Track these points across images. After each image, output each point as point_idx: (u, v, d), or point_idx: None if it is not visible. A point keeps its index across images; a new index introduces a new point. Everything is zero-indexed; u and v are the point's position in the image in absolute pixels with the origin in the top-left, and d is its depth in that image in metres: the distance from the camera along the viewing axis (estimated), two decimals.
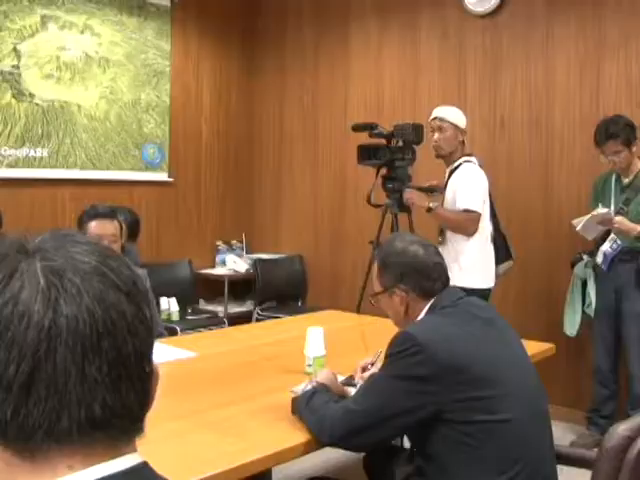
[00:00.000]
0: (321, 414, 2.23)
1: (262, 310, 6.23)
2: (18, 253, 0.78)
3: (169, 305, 5.62)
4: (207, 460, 2.04)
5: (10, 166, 5.40)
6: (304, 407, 2.31)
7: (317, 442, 2.24)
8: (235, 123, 6.94)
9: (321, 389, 2.38)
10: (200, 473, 1.93)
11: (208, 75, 6.71)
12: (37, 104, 5.51)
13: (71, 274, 0.76)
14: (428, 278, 2.31)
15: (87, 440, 0.76)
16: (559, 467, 2.25)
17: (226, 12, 6.77)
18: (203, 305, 6.45)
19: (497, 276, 4.32)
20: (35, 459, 0.76)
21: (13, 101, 5.39)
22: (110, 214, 3.49)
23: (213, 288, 6.48)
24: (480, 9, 5.36)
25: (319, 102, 6.53)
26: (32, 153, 5.49)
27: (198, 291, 6.36)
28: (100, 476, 0.76)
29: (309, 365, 2.86)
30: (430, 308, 2.30)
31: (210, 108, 6.74)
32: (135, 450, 0.81)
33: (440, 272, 2.34)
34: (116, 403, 0.77)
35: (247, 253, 6.83)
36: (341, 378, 2.64)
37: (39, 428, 0.74)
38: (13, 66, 5.40)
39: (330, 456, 3.58)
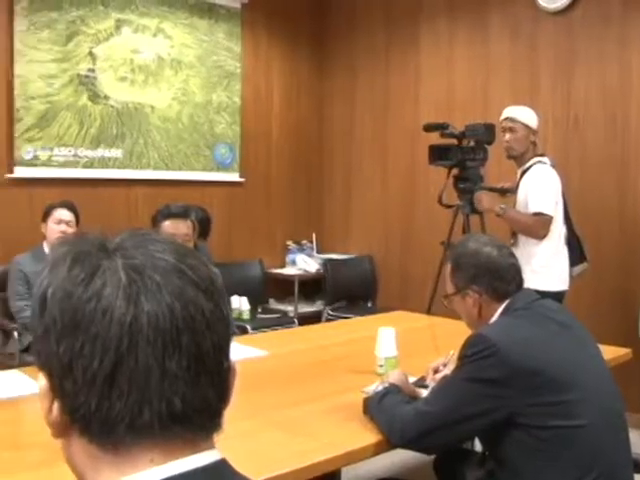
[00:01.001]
0: (392, 415, 2.22)
1: (332, 310, 6.23)
2: (100, 251, 0.80)
3: (240, 304, 5.66)
4: (277, 459, 2.05)
5: (86, 167, 5.52)
6: (375, 407, 2.31)
7: (388, 443, 2.22)
8: (305, 123, 6.96)
9: (393, 390, 2.37)
10: (270, 472, 1.93)
11: (278, 76, 6.75)
12: (112, 106, 5.63)
13: (151, 271, 0.78)
14: (502, 279, 2.28)
15: (167, 434, 0.77)
16: (637, 476, 2.20)
17: (295, 13, 6.80)
18: (273, 304, 6.49)
19: (571, 278, 4.24)
20: (118, 452, 0.78)
21: (89, 103, 5.51)
22: (183, 214, 3.54)
23: (283, 288, 6.51)
24: (553, 6, 5.26)
25: (389, 102, 6.51)
26: (107, 154, 5.61)
27: (268, 290, 6.40)
28: (180, 471, 0.77)
29: (380, 366, 2.85)
30: (504, 310, 2.27)
31: (280, 108, 6.77)
32: (214, 447, 0.82)
33: (514, 274, 2.31)
34: (195, 398, 0.78)
35: (317, 253, 6.84)
36: (412, 379, 2.63)
37: (121, 421, 0.76)
38: (89, 69, 5.52)
39: (400, 457, 3.56)
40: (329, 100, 7.02)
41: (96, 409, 0.76)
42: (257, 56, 6.59)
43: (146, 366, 0.75)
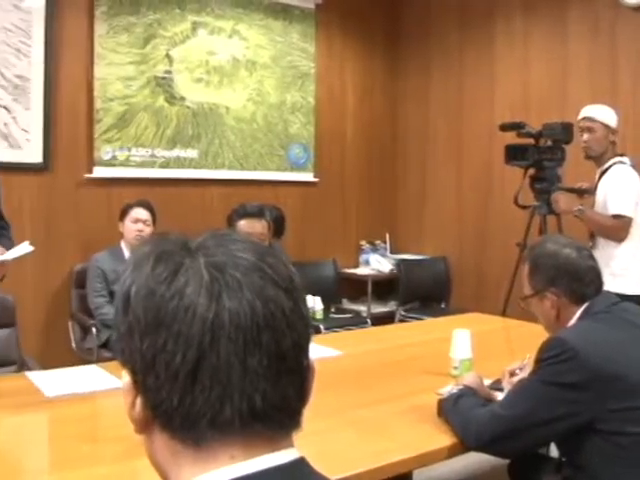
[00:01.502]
0: (467, 417, 2.19)
1: (405, 311, 6.21)
2: (182, 250, 0.82)
3: (314, 303, 5.68)
4: (351, 459, 2.04)
5: (162, 167, 5.62)
6: (450, 409, 2.28)
7: (462, 446, 2.20)
8: (379, 123, 6.95)
9: (468, 392, 2.34)
10: (343, 471, 1.93)
11: (352, 76, 6.75)
12: (188, 107, 5.71)
13: (232, 269, 0.79)
14: (581, 282, 2.22)
15: (248, 431, 0.78)
16: None
17: (369, 14, 6.78)
18: (346, 304, 6.49)
19: None
20: (199, 448, 0.78)
21: (165, 104, 5.61)
22: (259, 213, 3.57)
23: (356, 288, 6.51)
24: (634, 1, 5.12)
25: (464, 102, 6.44)
26: (183, 154, 5.70)
27: (342, 290, 6.41)
28: (261, 468, 0.78)
29: (455, 367, 2.82)
30: (582, 313, 2.21)
31: (354, 108, 6.77)
32: (292, 445, 0.83)
33: (593, 276, 2.25)
34: (275, 395, 0.79)
35: (391, 253, 6.82)
36: (487, 382, 2.59)
37: (203, 417, 0.77)
38: (166, 71, 5.61)
39: (474, 460, 3.52)
40: (403, 100, 6.99)
41: (178, 405, 0.77)
42: (331, 56, 6.60)
43: (227, 363, 0.76)
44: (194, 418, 0.77)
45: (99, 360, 4.09)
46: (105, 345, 4.59)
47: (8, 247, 2.76)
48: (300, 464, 0.82)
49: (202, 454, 0.78)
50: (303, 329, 0.82)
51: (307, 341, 0.84)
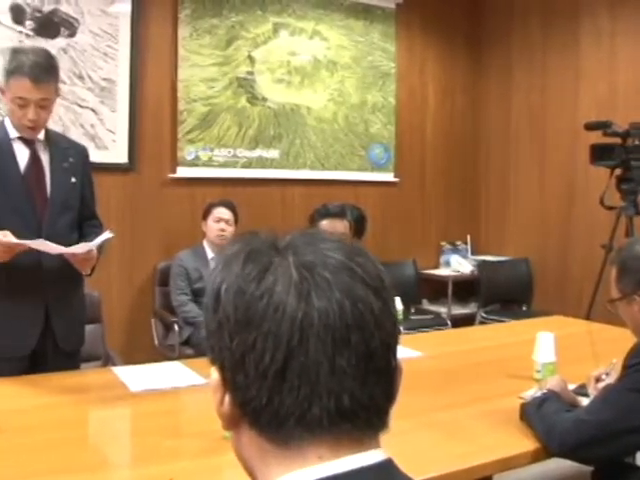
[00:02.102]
0: (551, 422, 2.15)
1: (486, 313, 6.13)
2: (271, 249, 0.82)
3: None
4: (431, 461, 2.02)
5: (244, 167, 5.68)
6: (533, 414, 2.24)
7: (545, 451, 2.16)
8: (460, 123, 6.88)
9: (551, 397, 2.30)
10: (424, 474, 1.91)
11: (433, 76, 6.70)
12: (269, 107, 5.76)
13: (321, 269, 0.79)
14: None
15: (335, 431, 0.78)
16: None
17: (450, 12, 6.72)
18: (426, 305, 6.45)
19: None
20: (287, 446, 0.79)
21: (247, 105, 5.67)
22: (340, 213, 3.58)
23: (437, 289, 6.46)
24: None
25: (547, 101, 6.33)
26: (264, 154, 5.75)
27: (422, 291, 6.37)
28: (348, 469, 0.77)
29: (538, 371, 2.77)
30: None
31: (435, 108, 6.72)
32: (379, 446, 0.82)
33: None
34: (363, 395, 0.78)
35: (472, 254, 6.74)
36: (571, 386, 2.54)
37: (291, 415, 0.77)
38: (248, 72, 5.67)
39: (556, 466, 3.45)
40: (484, 100, 6.91)
41: (267, 403, 0.78)
42: (412, 56, 6.56)
43: (316, 362, 0.76)
44: (282, 417, 0.77)
45: (180, 357, 4.17)
46: (187, 342, 4.66)
47: (98, 250, 2.83)
48: (388, 465, 0.81)
49: (290, 453, 0.79)
50: (391, 329, 0.82)
51: (395, 341, 0.83)
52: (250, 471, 0.85)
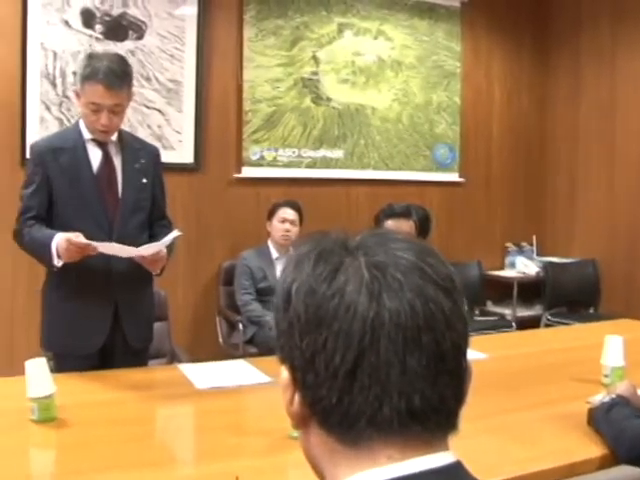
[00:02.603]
0: (620, 428, 2.11)
1: (551, 315, 6.04)
2: (342, 249, 0.82)
3: None
4: (494, 465, 2.00)
5: (309, 167, 5.70)
6: (602, 419, 2.20)
7: (613, 458, 2.11)
8: (526, 123, 6.79)
9: (621, 402, 2.25)
10: (486, 478, 1.88)
11: (498, 75, 6.63)
12: (334, 107, 5.77)
13: (393, 269, 0.79)
14: None
15: (405, 432, 0.78)
16: None
17: (516, 10, 6.63)
18: (491, 307, 6.38)
19: None
20: (357, 446, 0.79)
21: (312, 105, 5.69)
22: (406, 213, 3.57)
23: (501, 290, 6.38)
24: None
25: (617, 101, 6.19)
26: (329, 154, 5.76)
27: (486, 293, 6.30)
28: (417, 470, 0.77)
29: (606, 376, 2.71)
30: None
31: (500, 108, 6.65)
32: (448, 448, 0.82)
33: None
34: (434, 396, 0.78)
35: (537, 256, 6.64)
36: None
37: (362, 415, 0.77)
38: (312, 72, 5.69)
39: (624, 474, 3.38)
40: (551, 100, 6.80)
41: (337, 402, 0.78)
42: (477, 55, 6.50)
43: (387, 362, 0.76)
44: (352, 417, 0.78)
45: (245, 355, 4.20)
46: (251, 341, 4.70)
47: (167, 249, 2.88)
48: (457, 468, 0.81)
49: (359, 453, 0.79)
50: (462, 330, 0.82)
51: (466, 342, 0.83)
52: (318, 470, 0.85)
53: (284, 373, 0.84)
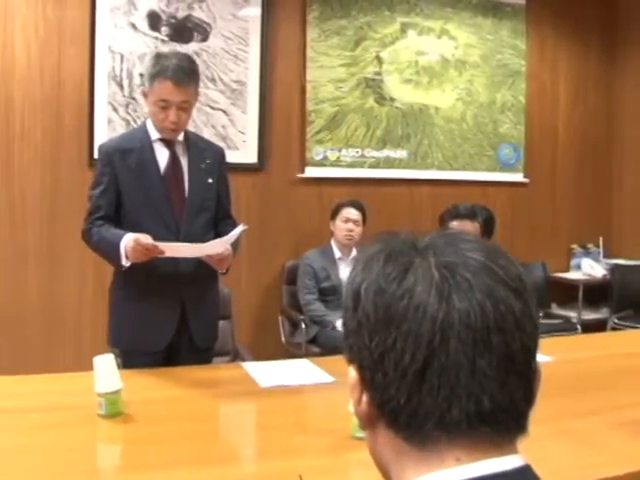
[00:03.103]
0: None
1: (618, 319, 5.91)
2: (411, 249, 0.82)
3: None
4: (560, 469, 1.96)
5: (372, 166, 5.69)
6: None
7: None
8: (592, 122, 6.65)
9: None
10: None
11: (565, 73, 6.51)
12: (397, 107, 5.75)
13: (462, 270, 0.78)
14: None
15: (474, 434, 0.77)
16: None
17: (583, 9, 6.50)
18: (555, 309, 6.28)
19: None
20: (424, 447, 0.78)
21: (375, 105, 5.68)
22: (471, 214, 3.55)
23: (566, 293, 6.27)
24: None
25: None
26: (392, 154, 5.75)
27: (551, 295, 6.20)
28: (485, 473, 0.76)
29: None
30: None
31: (566, 107, 6.53)
32: (517, 451, 0.81)
33: None
34: (504, 398, 0.78)
35: (604, 257, 6.51)
36: None
37: (430, 417, 0.77)
38: (376, 73, 5.68)
39: None
40: (619, 98, 6.66)
41: (405, 403, 0.77)
42: (542, 53, 6.40)
43: (456, 363, 0.76)
44: (421, 418, 0.77)
45: (307, 355, 4.21)
46: (313, 340, 4.71)
47: (233, 245, 2.90)
48: (526, 472, 0.80)
49: (427, 454, 0.78)
50: (532, 331, 0.81)
51: (536, 344, 0.82)
52: (384, 471, 0.85)
53: (352, 373, 0.84)
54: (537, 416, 2.45)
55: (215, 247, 2.80)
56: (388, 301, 0.78)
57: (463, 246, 0.82)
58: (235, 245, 2.92)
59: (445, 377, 0.76)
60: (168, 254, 2.71)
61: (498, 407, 0.77)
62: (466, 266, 0.79)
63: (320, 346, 4.62)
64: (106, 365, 2.31)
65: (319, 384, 2.72)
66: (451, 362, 0.76)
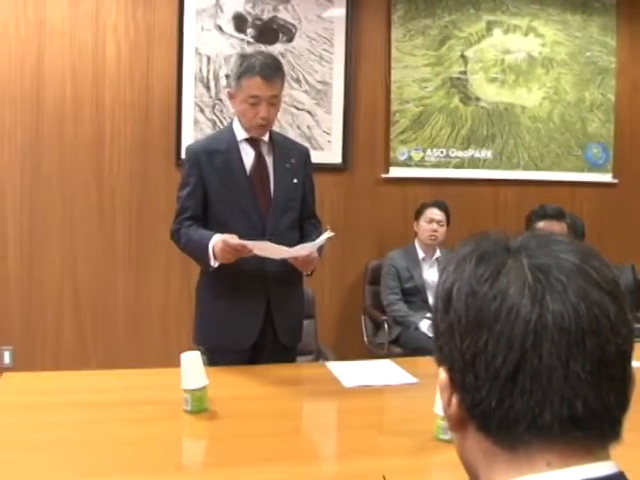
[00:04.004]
0: None
1: None
2: (503, 251, 0.81)
3: None
4: None
5: (456, 167, 5.64)
6: None
7: None
8: None
9: None
10: None
11: None
12: (482, 107, 5.69)
13: (556, 272, 0.77)
14: None
15: (566, 438, 0.76)
16: None
17: None
18: None
19: None
20: (515, 451, 0.78)
21: (460, 105, 5.63)
22: (559, 215, 3.48)
23: None
24: None
25: None
26: (477, 154, 5.68)
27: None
28: (579, 478, 0.75)
29: None
30: None
31: None
32: (610, 457, 0.79)
33: None
34: (597, 403, 0.76)
35: None
36: None
37: (522, 420, 0.76)
38: (461, 72, 5.63)
39: None
40: None
41: (496, 406, 0.77)
42: (634, 50, 6.22)
43: (549, 366, 0.75)
44: (512, 421, 0.76)
45: (389, 355, 4.20)
46: (396, 341, 4.70)
47: (318, 250, 2.91)
48: (620, 479, 0.78)
49: (518, 458, 0.78)
50: (627, 335, 0.79)
51: (631, 348, 0.81)
52: (473, 473, 0.84)
53: (442, 374, 0.84)
54: (631, 422, 2.39)
55: (301, 250, 2.82)
56: (480, 303, 0.78)
57: (556, 247, 0.81)
58: (320, 250, 2.93)
59: (537, 380, 0.75)
60: (256, 252, 2.74)
61: (591, 412, 0.76)
62: (560, 268, 0.78)
63: (402, 347, 4.60)
64: (193, 362, 2.35)
65: (403, 385, 2.71)
66: (544, 365, 0.75)
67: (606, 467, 0.77)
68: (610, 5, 6.05)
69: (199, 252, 2.86)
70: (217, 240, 2.76)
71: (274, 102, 2.90)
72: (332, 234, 2.83)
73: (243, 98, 2.88)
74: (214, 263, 2.80)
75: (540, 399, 0.75)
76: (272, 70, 2.87)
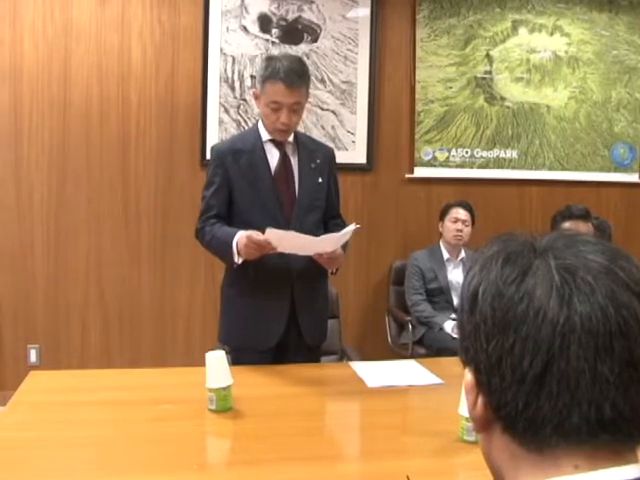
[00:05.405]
0: None
1: None
2: (530, 251, 0.81)
3: None
4: None
5: (481, 167, 5.62)
6: None
7: None
8: None
9: None
10: None
11: None
12: (507, 107, 5.66)
13: (583, 272, 0.76)
14: None
15: (594, 441, 0.75)
16: None
17: None
18: None
19: None
20: (541, 453, 0.77)
21: (485, 105, 5.60)
22: (584, 215, 3.45)
23: None
24: None
25: None
26: (502, 154, 5.65)
27: None
28: None
29: None
30: None
31: None
32: (638, 460, 0.78)
33: None
34: (625, 406, 0.75)
35: None
36: None
37: (549, 423, 0.75)
38: (486, 72, 5.60)
39: None
40: None
41: (523, 408, 0.76)
42: None
43: (577, 369, 0.74)
44: (539, 423, 0.76)
45: (413, 356, 4.19)
46: (420, 341, 4.69)
47: (343, 247, 2.91)
48: None
49: (544, 460, 0.77)
50: None
51: None
52: (498, 475, 0.84)
53: (467, 376, 0.84)
54: None
55: (326, 243, 2.81)
56: (506, 304, 0.77)
57: (583, 248, 0.80)
58: (344, 247, 2.92)
59: (565, 383, 0.74)
60: (280, 250, 2.74)
61: (620, 415, 0.75)
62: (587, 269, 0.77)
63: (427, 347, 4.59)
64: (217, 361, 2.36)
65: (427, 385, 2.71)
66: (571, 368, 0.74)
67: (635, 470, 0.76)
68: (637, 3, 6.00)
69: (223, 248, 2.87)
70: (241, 236, 2.77)
71: (296, 109, 2.90)
72: (357, 226, 2.81)
73: (266, 102, 2.89)
74: (238, 259, 2.81)
75: (568, 402, 0.74)
76: (296, 77, 2.85)
